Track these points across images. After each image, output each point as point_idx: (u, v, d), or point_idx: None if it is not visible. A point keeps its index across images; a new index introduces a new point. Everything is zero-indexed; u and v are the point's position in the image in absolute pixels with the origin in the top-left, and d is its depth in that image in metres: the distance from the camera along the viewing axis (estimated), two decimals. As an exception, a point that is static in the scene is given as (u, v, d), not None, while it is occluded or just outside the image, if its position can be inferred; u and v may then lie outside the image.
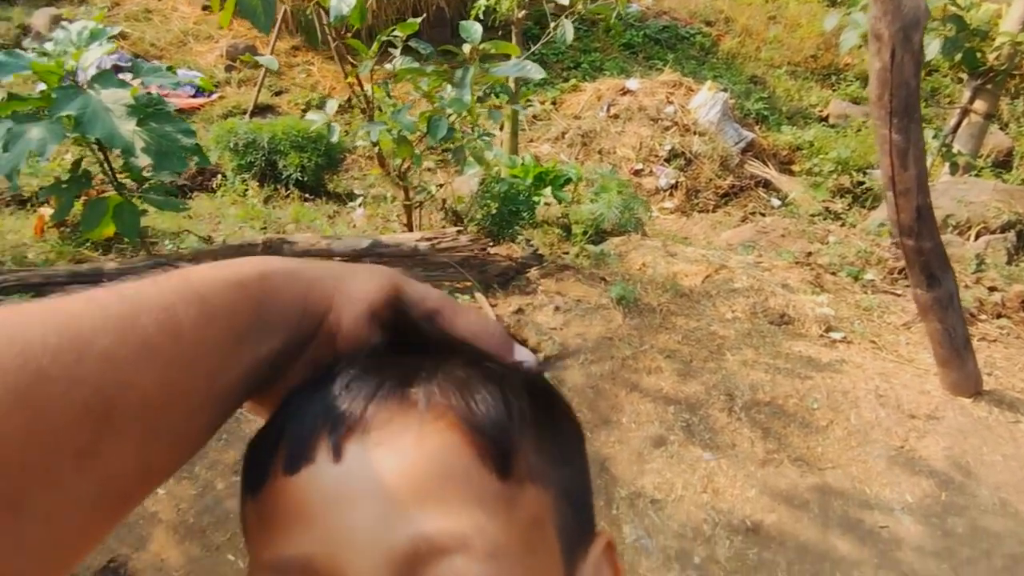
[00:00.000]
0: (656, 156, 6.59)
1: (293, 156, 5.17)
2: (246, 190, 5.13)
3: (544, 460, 0.40)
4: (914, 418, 2.48)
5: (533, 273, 3.08)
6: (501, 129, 5.32)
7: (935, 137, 5.91)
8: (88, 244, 3.43)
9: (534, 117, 7.57)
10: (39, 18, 6.91)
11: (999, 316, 3.89)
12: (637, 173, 6.47)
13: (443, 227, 3.14)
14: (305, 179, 5.23)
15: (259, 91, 6.39)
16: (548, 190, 4.65)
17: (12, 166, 2.38)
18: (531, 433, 0.39)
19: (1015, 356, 3.08)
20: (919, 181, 2.07)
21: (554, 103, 7.79)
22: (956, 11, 5.21)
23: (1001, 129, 8.22)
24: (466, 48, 2.67)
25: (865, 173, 7.04)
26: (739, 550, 2.01)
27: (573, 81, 7.97)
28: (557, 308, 2.81)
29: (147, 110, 2.55)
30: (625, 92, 7.39)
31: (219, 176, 5.35)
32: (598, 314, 2.80)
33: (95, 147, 2.72)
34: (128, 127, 2.43)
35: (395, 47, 2.92)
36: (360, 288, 0.40)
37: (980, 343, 3.00)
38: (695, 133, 6.77)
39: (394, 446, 0.35)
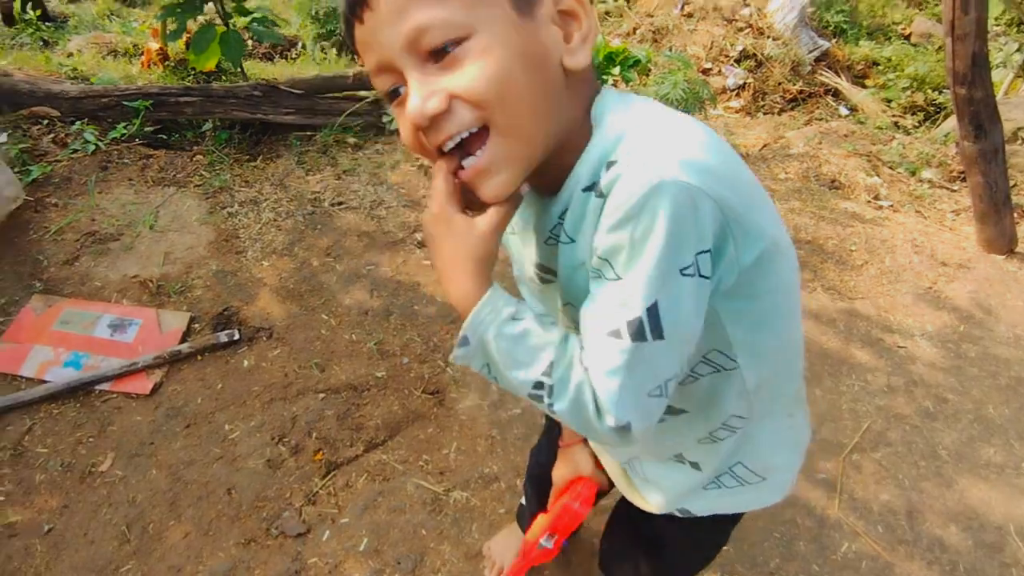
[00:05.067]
0: (727, 56, 6.57)
1: (373, 26, 5.36)
2: (324, 57, 5.33)
3: None
4: (945, 265, 2.65)
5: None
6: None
7: (1019, 51, 5.76)
8: (190, 77, 3.73)
9: (606, 13, 7.57)
10: None
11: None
12: (706, 72, 6.47)
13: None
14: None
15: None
16: (617, 70, 4.76)
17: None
18: None
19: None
20: (978, 26, 2.18)
21: (627, 0, 7.75)
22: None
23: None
24: None
25: (941, 92, 6.88)
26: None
27: (650, -21, 7.88)
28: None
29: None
30: (702, -9, 7.29)
31: (299, 46, 5.56)
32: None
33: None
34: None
35: None
36: None
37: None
38: (769, 36, 6.70)
39: None
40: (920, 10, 8.60)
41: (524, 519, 1.60)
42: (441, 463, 1.92)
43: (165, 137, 2.99)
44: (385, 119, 3.01)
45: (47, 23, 5.95)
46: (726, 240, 0.67)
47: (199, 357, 2.15)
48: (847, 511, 1.88)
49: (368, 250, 2.51)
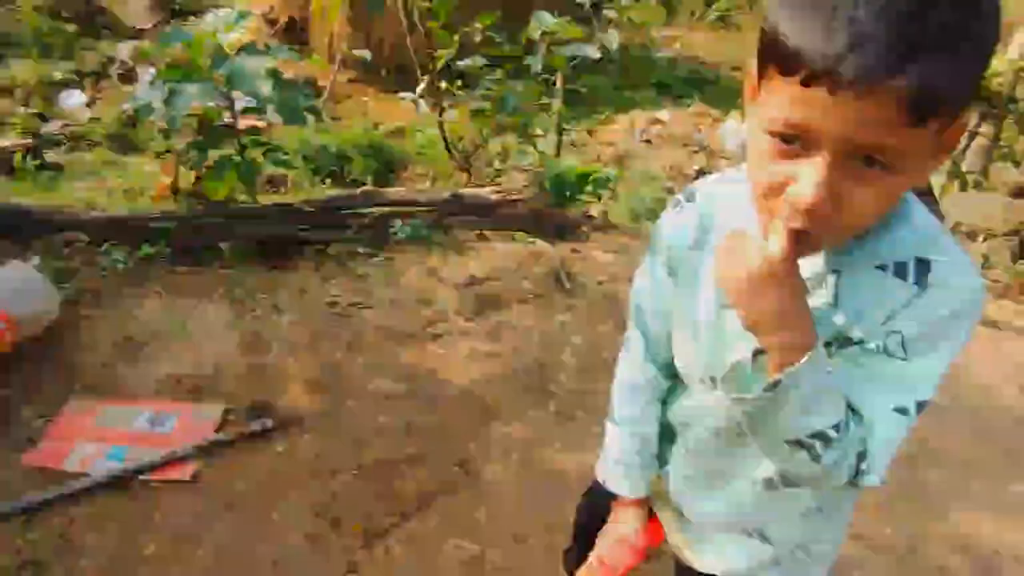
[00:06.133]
0: (686, 176, 7.15)
1: (359, 161, 5.77)
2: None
3: (952, 105, 0.64)
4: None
5: (585, 228, 3.61)
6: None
7: (946, 157, 6.39)
8: (202, 206, 4.01)
9: (571, 143, 8.20)
10: (122, 51, 7.62)
11: (999, 297, 4.33)
12: (669, 191, 7.02)
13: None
14: (367, 183, 5.80)
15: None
16: (590, 187, 5.19)
17: (173, 115, 2.99)
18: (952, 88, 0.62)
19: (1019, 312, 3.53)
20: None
21: (589, 132, 8.42)
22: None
23: (1014, 165, 8.63)
24: (536, 33, 3.27)
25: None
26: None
27: (607, 113, 8.61)
28: (606, 250, 3.33)
29: (277, 76, 3.15)
30: (657, 122, 8.00)
31: (288, 182, 5.94)
32: (641, 254, 3.34)
33: (229, 110, 3.32)
34: (266, 87, 3.02)
35: (473, 38, 3.53)
36: None
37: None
38: (722, 157, 7.34)
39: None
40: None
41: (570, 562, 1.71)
42: (475, 528, 2.04)
43: (186, 255, 3.21)
44: (391, 230, 3.29)
45: (44, 171, 6.26)
46: None
47: (235, 445, 2.27)
48: (857, 546, 2.03)
49: (387, 343, 2.71)
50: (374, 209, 3.30)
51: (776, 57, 0.66)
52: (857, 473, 0.80)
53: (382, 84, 7.56)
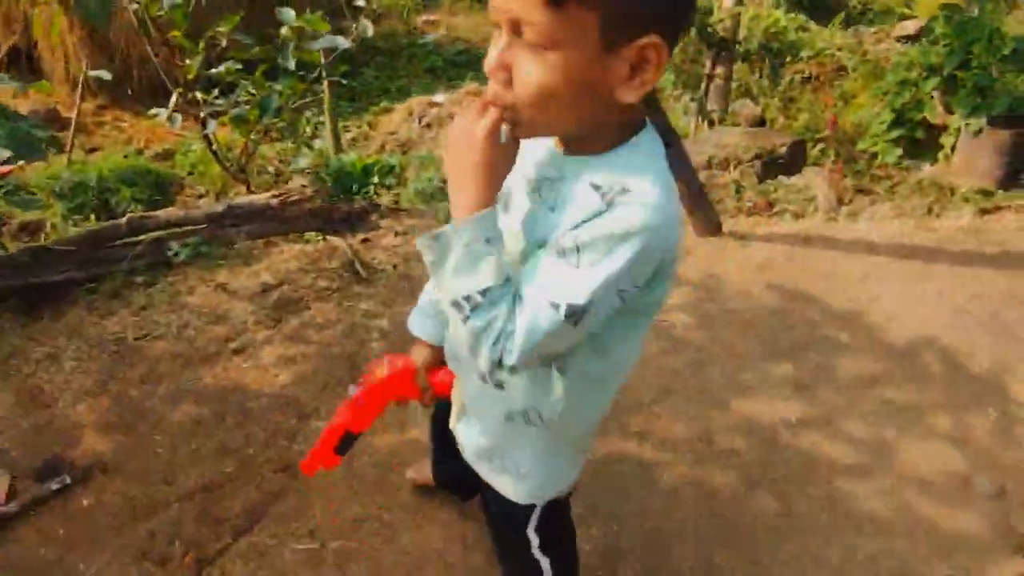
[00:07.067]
0: (469, 153, 7.32)
1: (125, 191, 5.33)
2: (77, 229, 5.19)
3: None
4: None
5: (374, 217, 3.64)
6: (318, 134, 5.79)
7: (692, 100, 7.09)
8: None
9: (352, 140, 8.12)
10: None
11: (751, 215, 4.94)
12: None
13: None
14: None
15: (71, 149, 6.39)
16: (375, 178, 5.20)
17: None
18: None
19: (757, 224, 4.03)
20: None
21: (369, 125, 8.38)
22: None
23: (752, 100, 9.77)
24: (284, 30, 3.21)
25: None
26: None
27: (384, 104, 8.61)
28: (397, 233, 3.38)
29: (-1, 109, 2.85)
30: (434, 105, 8.13)
31: (47, 226, 5.39)
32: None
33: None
34: (-16, 122, 2.72)
35: (219, 43, 3.40)
36: None
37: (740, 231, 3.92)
38: (500, 130, 7.61)
39: None
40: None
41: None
42: (310, 524, 2.03)
43: (-72, 325, 2.85)
44: (169, 252, 3.12)
45: None
46: (652, 280, 0.90)
47: (31, 512, 2.08)
48: (660, 450, 2.27)
49: (185, 369, 2.59)
50: (144, 236, 3.11)
51: None
52: (501, 353, 0.88)
53: (138, 105, 7.00)
